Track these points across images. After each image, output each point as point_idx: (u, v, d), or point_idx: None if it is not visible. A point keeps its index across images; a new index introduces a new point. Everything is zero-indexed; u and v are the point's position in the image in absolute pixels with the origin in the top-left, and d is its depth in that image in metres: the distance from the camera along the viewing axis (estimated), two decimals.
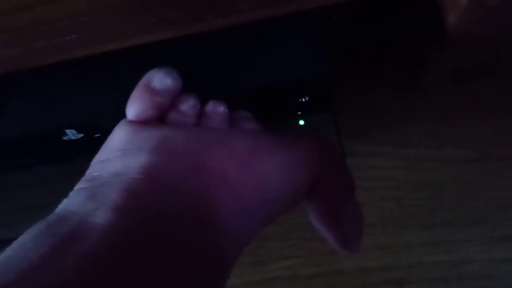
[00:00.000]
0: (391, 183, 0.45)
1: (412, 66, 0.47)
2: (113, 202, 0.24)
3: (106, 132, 0.29)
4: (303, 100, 0.37)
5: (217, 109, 0.30)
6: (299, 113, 0.38)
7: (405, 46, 0.47)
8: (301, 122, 0.38)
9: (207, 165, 0.26)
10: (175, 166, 0.26)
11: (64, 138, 0.34)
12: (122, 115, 0.29)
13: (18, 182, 0.45)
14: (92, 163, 0.28)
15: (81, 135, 0.34)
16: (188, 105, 0.29)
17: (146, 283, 0.22)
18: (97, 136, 0.34)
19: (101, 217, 0.23)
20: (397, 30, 0.47)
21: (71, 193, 0.26)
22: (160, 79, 0.29)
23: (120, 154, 0.27)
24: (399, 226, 0.45)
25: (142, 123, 0.28)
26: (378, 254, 0.44)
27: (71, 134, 0.34)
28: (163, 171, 0.25)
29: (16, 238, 0.23)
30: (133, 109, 0.29)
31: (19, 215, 0.43)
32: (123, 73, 0.33)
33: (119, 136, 0.28)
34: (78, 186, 0.26)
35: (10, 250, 0.22)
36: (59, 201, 0.26)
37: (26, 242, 0.22)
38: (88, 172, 0.27)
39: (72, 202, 0.25)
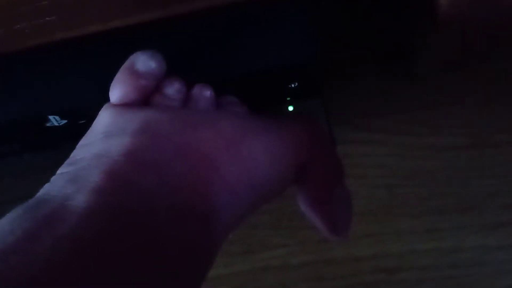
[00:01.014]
0: (382, 170, 0.45)
1: (405, 54, 0.47)
2: (94, 184, 0.23)
3: (91, 118, 0.28)
4: (293, 86, 0.36)
5: (203, 93, 0.29)
6: (288, 99, 0.38)
7: (397, 32, 0.47)
8: (290, 108, 0.38)
9: (192, 147, 0.26)
10: (158, 147, 0.25)
11: (47, 125, 0.34)
12: (107, 100, 0.29)
13: (8, 172, 0.44)
14: (76, 147, 0.27)
15: (65, 121, 0.34)
16: (173, 89, 0.29)
17: (126, 266, 0.21)
18: (81, 123, 0.34)
19: (80, 199, 0.22)
20: (389, 16, 0.47)
21: (53, 178, 0.25)
22: (143, 62, 0.28)
23: (102, 137, 0.26)
24: (391, 214, 0.45)
25: (125, 106, 0.28)
26: (369, 242, 0.44)
27: (55, 120, 0.33)
28: (146, 153, 0.25)
29: None
30: (116, 92, 0.28)
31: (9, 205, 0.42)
32: (107, 56, 0.32)
33: (102, 119, 0.28)
34: (60, 170, 0.26)
35: None
36: None
37: (3, 226, 0.22)
38: (71, 156, 0.27)
39: (53, 186, 0.24)
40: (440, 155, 0.45)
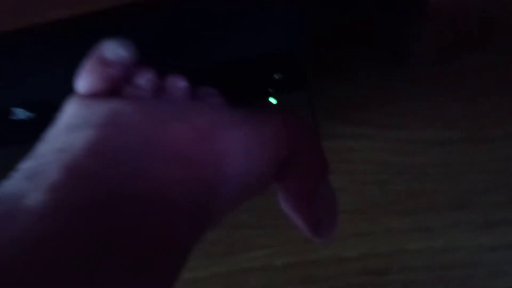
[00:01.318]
0: (372, 166, 0.44)
1: (395, 46, 0.46)
2: (51, 181, 0.21)
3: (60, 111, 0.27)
4: (277, 77, 0.35)
5: (177, 83, 0.28)
6: (270, 90, 0.36)
7: (388, 24, 0.46)
8: (274, 101, 0.36)
9: (162, 140, 0.24)
10: (124, 141, 0.24)
11: (12, 118, 0.32)
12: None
13: None
14: (40, 141, 0.26)
15: (31, 114, 0.32)
16: (144, 79, 0.27)
17: (80, 272, 0.19)
18: (51, 116, 0.32)
19: (35, 198, 0.21)
20: (379, 7, 0.46)
21: (13, 174, 0.24)
22: (112, 50, 0.27)
23: (66, 130, 0.25)
24: (380, 212, 0.44)
25: (92, 97, 0.26)
26: (357, 242, 0.43)
27: (20, 113, 0.32)
28: (110, 146, 0.23)
29: None
30: (83, 82, 0.27)
31: None
32: (75, 45, 0.30)
33: (67, 111, 0.26)
34: (21, 165, 0.24)
35: None
36: None
37: None
38: (34, 150, 0.25)
39: (11, 184, 0.23)
40: (432, 150, 0.45)
